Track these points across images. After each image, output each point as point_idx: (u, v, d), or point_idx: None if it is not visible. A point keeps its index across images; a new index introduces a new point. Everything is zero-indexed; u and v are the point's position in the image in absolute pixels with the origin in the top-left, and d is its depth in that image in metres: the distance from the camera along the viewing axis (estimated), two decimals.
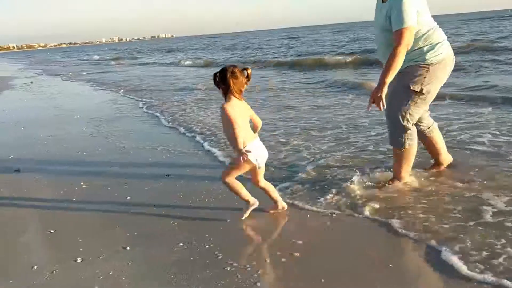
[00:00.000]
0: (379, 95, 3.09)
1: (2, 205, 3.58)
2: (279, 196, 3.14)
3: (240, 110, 2.82)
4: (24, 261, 2.61)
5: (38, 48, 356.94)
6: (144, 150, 5.09)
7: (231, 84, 2.77)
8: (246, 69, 2.85)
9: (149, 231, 2.96)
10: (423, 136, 3.54)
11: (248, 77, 2.85)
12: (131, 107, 8.68)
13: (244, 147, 2.79)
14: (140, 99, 9.62)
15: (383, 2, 3.25)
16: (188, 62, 22.62)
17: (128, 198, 3.59)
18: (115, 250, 2.69)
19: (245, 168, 2.92)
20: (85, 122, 7.06)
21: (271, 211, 3.12)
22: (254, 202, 3.00)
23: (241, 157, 2.79)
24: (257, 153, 2.89)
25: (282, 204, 3.12)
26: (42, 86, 14.38)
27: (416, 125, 3.41)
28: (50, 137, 6.02)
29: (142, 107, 8.46)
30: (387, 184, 3.44)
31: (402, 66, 3.11)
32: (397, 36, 3.04)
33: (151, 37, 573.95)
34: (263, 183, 3.06)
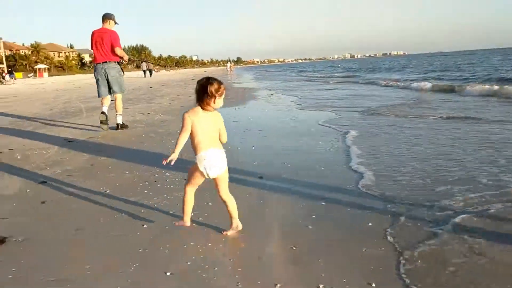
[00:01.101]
0: None
1: (248, 211, 3.71)
2: (236, 215, 3.17)
3: (203, 120, 2.98)
4: (269, 277, 2.56)
5: (278, 63, 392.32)
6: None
7: (197, 94, 2.99)
8: (211, 83, 2.94)
9: (393, 267, 2.61)
10: None
11: (211, 93, 2.92)
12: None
13: (197, 153, 2.97)
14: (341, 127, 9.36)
15: None
16: (384, 82, 22.38)
17: (369, 224, 3.32)
18: (360, 285, 2.43)
19: (196, 174, 3.05)
20: (319, 136, 7.13)
21: (224, 233, 3.20)
22: (186, 223, 3.19)
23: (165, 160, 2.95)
24: (209, 163, 2.96)
25: (237, 223, 3.18)
26: (280, 98, 15.45)
27: None
28: (290, 148, 6.23)
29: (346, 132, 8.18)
30: None
31: None
32: None
33: (383, 54, 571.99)
34: (225, 196, 3.13)
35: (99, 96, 8.61)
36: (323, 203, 3.82)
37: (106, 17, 8.53)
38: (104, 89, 8.51)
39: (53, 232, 3.38)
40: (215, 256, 2.86)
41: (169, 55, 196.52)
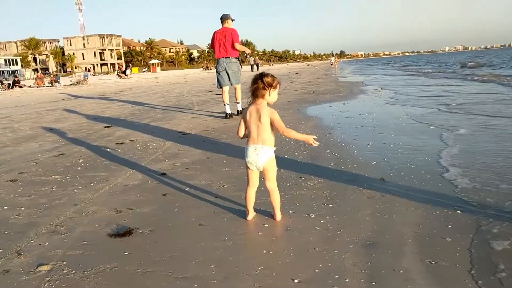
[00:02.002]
0: None
1: (374, 217, 3.44)
2: (277, 206, 3.36)
3: (252, 115, 3.19)
4: None
5: (383, 56, 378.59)
6: None
7: (251, 89, 3.20)
8: (266, 75, 3.15)
9: None
10: None
11: (265, 85, 3.12)
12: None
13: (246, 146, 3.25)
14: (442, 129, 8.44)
15: None
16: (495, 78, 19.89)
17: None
18: None
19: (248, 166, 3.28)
20: (437, 134, 6.57)
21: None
22: (248, 215, 3.43)
23: None
24: (248, 156, 3.21)
25: (278, 214, 3.37)
26: (388, 93, 14.68)
27: None
28: (410, 147, 5.78)
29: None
30: None
31: None
32: None
33: (500, 45, 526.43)
34: (269, 185, 3.31)
35: (219, 87, 9.56)
36: (459, 211, 3.41)
37: (225, 17, 9.44)
38: (225, 80, 9.44)
39: (176, 226, 3.40)
40: (343, 265, 2.64)
41: (272, 50, 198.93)
